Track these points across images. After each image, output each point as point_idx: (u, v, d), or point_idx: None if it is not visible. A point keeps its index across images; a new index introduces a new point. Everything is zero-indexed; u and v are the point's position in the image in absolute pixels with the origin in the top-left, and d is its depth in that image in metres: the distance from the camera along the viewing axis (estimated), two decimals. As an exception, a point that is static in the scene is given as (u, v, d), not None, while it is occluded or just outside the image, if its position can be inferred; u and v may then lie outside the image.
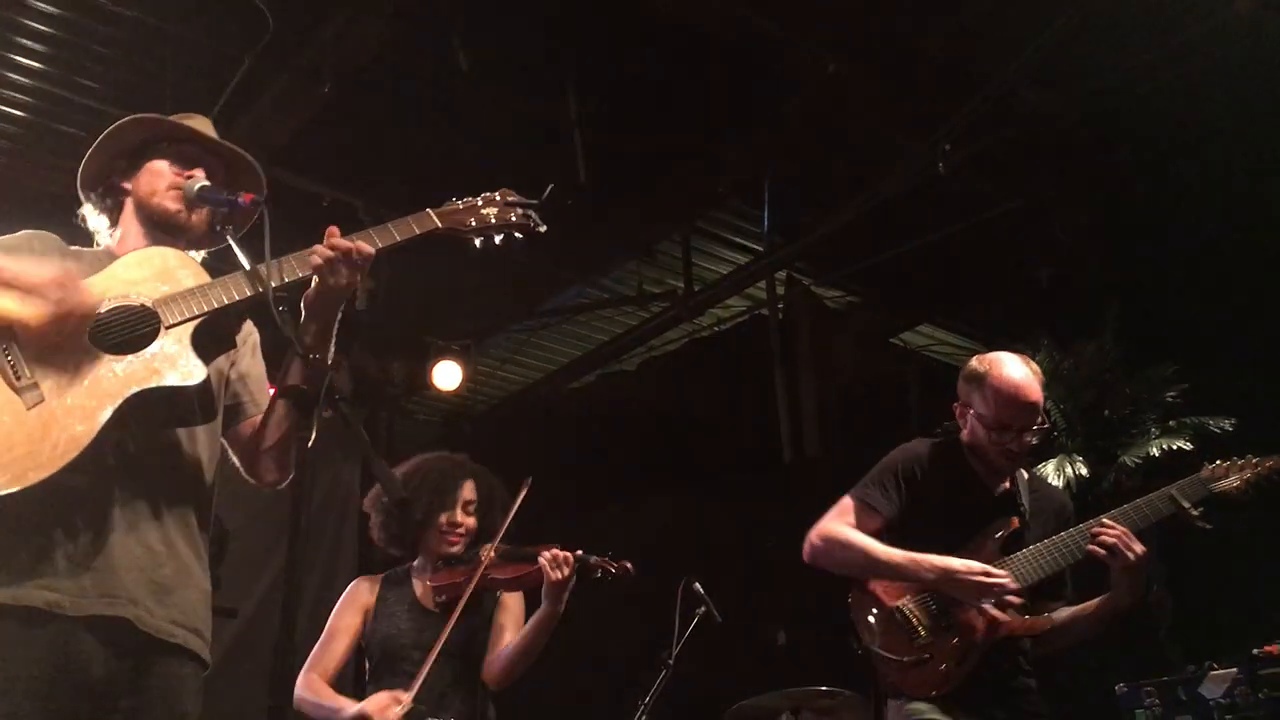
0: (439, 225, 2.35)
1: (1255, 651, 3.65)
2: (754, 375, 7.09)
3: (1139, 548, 2.97)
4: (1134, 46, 5.00)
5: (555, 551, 3.37)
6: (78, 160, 2.46)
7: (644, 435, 7.49)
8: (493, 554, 3.43)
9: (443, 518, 3.50)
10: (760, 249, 6.95)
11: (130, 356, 2.10)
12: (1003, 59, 5.23)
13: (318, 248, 2.18)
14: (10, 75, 5.08)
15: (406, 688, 3.27)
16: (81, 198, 2.47)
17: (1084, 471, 5.73)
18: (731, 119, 5.85)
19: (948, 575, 3.00)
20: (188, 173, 2.37)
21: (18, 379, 2.03)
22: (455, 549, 3.50)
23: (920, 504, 3.17)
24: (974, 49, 5.33)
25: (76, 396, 2.04)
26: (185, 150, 2.41)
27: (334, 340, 2.25)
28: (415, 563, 3.60)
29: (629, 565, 3.53)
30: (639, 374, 8.06)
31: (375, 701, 3.22)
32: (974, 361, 3.26)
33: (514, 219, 2.42)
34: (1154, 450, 5.68)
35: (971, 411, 3.19)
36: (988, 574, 2.96)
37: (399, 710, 3.17)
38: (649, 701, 3.91)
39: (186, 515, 2.24)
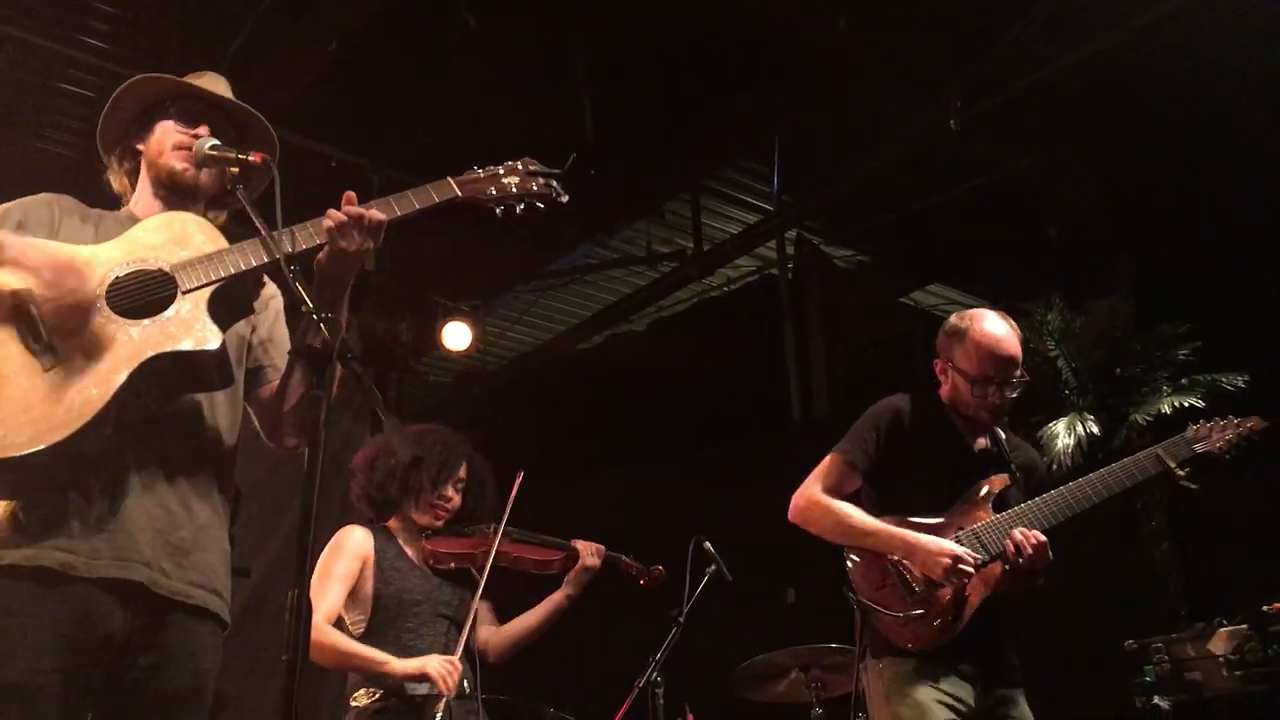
0: (459, 194, 2.33)
1: (1264, 608, 3.67)
2: (764, 335, 7.09)
3: (1027, 555, 3.02)
4: (1147, -1, 4.93)
5: (588, 542, 3.63)
6: (83, 120, 2.46)
7: (654, 395, 7.50)
8: (503, 532, 3.51)
9: (437, 490, 3.54)
10: (770, 208, 6.91)
11: (147, 320, 2.10)
12: (1014, 14, 5.17)
13: (331, 212, 2.17)
14: (14, 34, 5.05)
15: (422, 646, 3.33)
16: (104, 161, 2.47)
17: (1095, 429, 5.72)
18: (741, 76, 5.80)
19: (915, 551, 3.08)
20: (193, 131, 2.35)
21: (35, 342, 2.04)
22: (438, 523, 3.56)
23: (901, 458, 3.24)
24: (985, 4, 5.27)
25: (93, 360, 2.04)
26: (191, 108, 2.39)
27: (346, 303, 2.24)
28: (391, 524, 3.62)
29: (661, 569, 3.81)
30: (649, 334, 8.05)
31: (434, 664, 3.21)
32: (954, 318, 3.33)
33: (535, 188, 2.40)
34: (1165, 408, 5.67)
35: (953, 366, 3.25)
36: (955, 557, 3.02)
37: (458, 678, 3.21)
38: (660, 659, 3.94)
39: (206, 478, 2.25)
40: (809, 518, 3.26)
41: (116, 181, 2.44)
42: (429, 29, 5.28)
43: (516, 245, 6.70)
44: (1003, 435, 3.34)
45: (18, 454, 1.96)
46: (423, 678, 3.21)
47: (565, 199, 2.44)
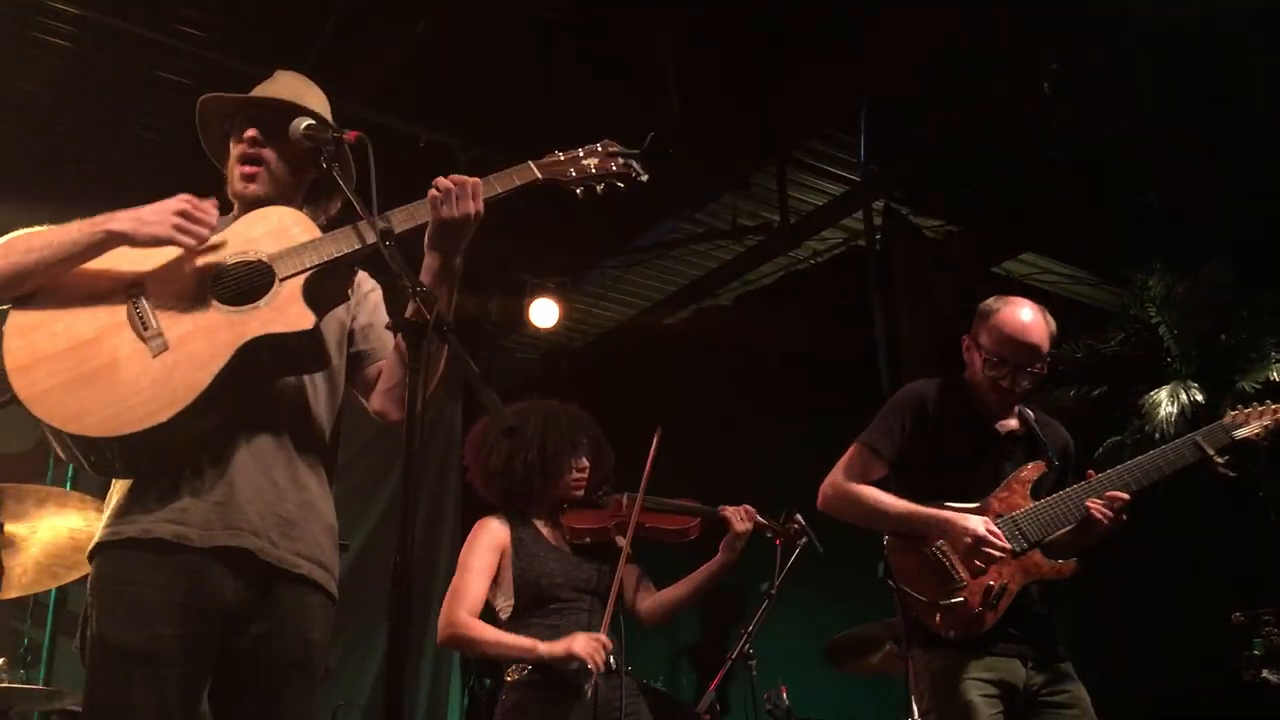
0: (539, 177, 2.39)
1: (1381, 580, 3.55)
2: (852, 308, 6.99)
3: (1123, 517, 3.09)
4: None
5: (738, 508, 3.62)
6: (182, 109, 2.55)
7: (741, 370, 7.46)
8: (639, 502, 3.54)
9: (574, 463, 3.60)
10: (857, 179, 6.81)
11: (247, 307, 2.20)
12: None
13: (436, 180, 2.24)
14: (110, 21, 5.20)
15: (568, 625, 3.38)
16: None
17: (1199, 398, 5.55)
18: (826, 44, 5.71)
19: (948, 528, 3.10)
20: (246, 133, 2.43)
21: (145, 329, 2.16)
22: (579, 493, 3.61)
23: (927, 444, 3.26)
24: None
25: (197, 344, 2.15)
26: (251, 116, 2.47)
27: (456, 283, 2.29)
28: (525, 507, 3.65)
29: (795, 525, 3.74)
30: (734, 308, 8.01)
31: (582, 643, 3.26)
32: (991, 299, 3.32)
33: (615, 168, 2.44)
34: (1274, 375, 5.48)
35: (975, 343, 3.28)
36: (979, 538, 3.05)
37: (605, 654, 3.26)
38: (752, 630, 3.94)
39: (310, 455, 2.36)
40: (838, 507, 3.31)
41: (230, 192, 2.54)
42: (515, 7, 5.31)
43: (602, 221, 6.71)
44: (1032, 416, 3.32)
45: (130, 431, 2.07)
46: (571, 659, 3.26)
47: (645, 178, 2.48)
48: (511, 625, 3.47)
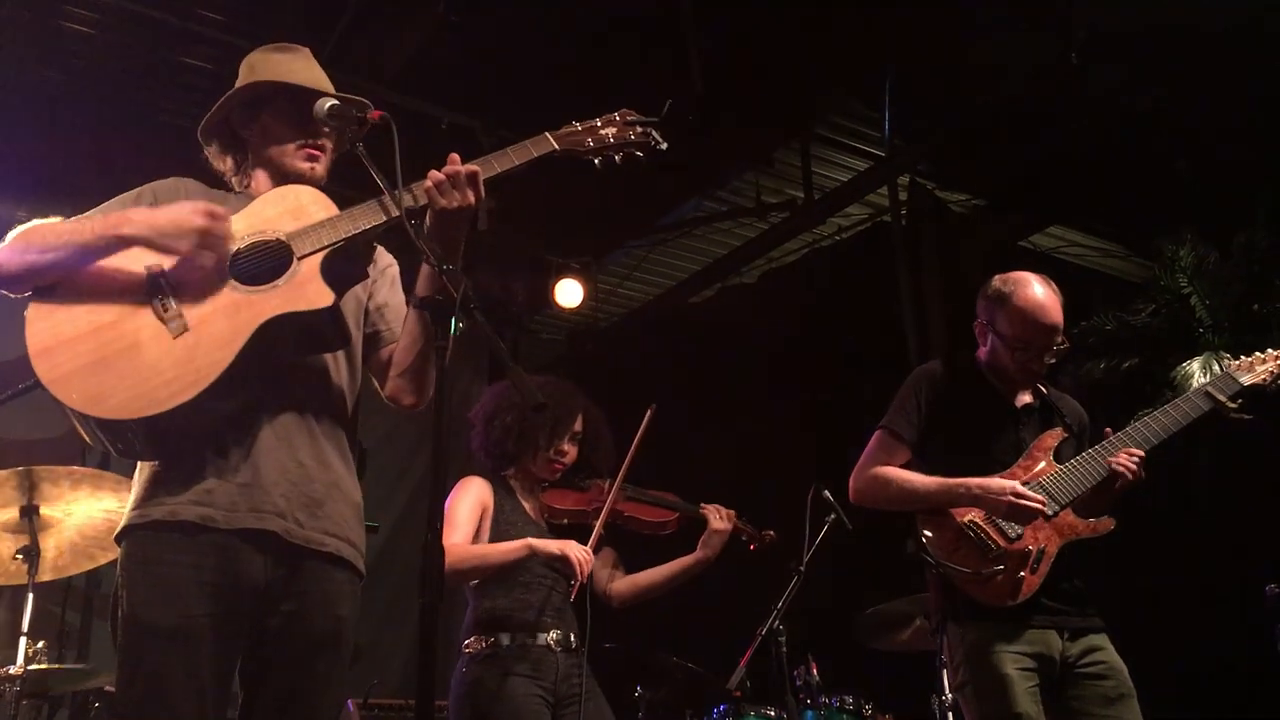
0: (556, 148, 2.38)
1: None
2: (878, 284, 6.95)
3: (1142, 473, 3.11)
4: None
5: (718, 507, 3.69)
6: (203, 93, 2.54)
7: (766, 348, 7.44)
8: (619, 489, 3.54)
9: (554, 445, 3.60)
10: (881, 154, 6.76)
11: (265, 286, 2.20)
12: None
13: (430, 172, 2.23)
14: (132, 7, 5.21)
15: (533, 598, 3.41)
16: (203, 143, 2.56)
17: (1232, 368, 5.49)
18: (850, 16, 5.65)
19: (983, 496, 3.10)
20: (306, 129, 2.43)
21: (165, 310, 2.16)
22: (554, 476, 3.65)
23: (944, 423, 3.28)
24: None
25: (218, 325, 2.16)
26: (299, 102, 2.45)
27: (460, 263, 2.27)
28: (510, 475, 3.68)
29: (772, 533, 3.85)
30: (760, 286, 7.97)
31: (576, 549, 3.34)
32: (997, 281, 3.32)
33: (633, 138, 2.43)
34: (1310, 343, 5.42)
35: (993, 330, 3.27)
36: (1018, 494, 3.06)
37: (590, 568, 3.34)
38: (781, 607, 3.94)
39: (335, 433, 2.36)
40: (868, 495, 3.32)
41: (219, 163, 2.54)
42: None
43: (626, 201, 6.69)
44: (1044, 390, 3.36)
45: (151, 413, 2.08)
46: (563, 558, 3.30)
47: (664, 147, 2.47)
48: (480, 590, 3.49)
